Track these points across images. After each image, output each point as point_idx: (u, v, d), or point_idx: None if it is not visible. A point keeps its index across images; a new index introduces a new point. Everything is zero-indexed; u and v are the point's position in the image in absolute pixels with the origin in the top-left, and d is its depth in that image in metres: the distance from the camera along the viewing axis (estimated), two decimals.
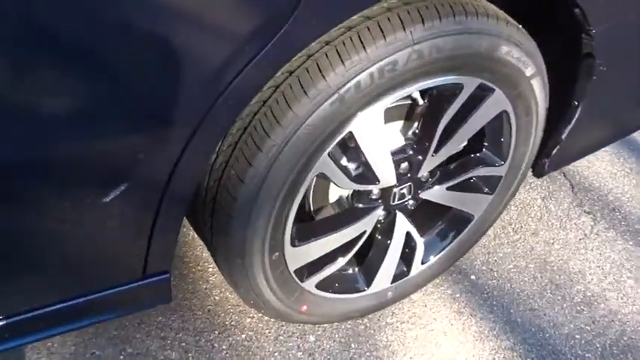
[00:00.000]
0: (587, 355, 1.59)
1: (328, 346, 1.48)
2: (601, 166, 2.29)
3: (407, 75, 1.07)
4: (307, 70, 1.01)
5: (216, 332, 1.45)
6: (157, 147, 0.95)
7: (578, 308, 1.71)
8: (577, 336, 1.64)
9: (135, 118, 0.91)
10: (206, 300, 1.52)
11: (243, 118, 1.06)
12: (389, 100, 1.10)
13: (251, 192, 1.06)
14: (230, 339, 1.45)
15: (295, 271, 1.26)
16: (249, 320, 1.49)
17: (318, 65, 1.01)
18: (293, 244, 1.21)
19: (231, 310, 1.50)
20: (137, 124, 0.92)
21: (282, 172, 1.06)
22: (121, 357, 1.36)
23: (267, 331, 1.48)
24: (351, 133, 1.10)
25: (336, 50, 1.01)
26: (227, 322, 1.48)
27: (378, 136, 1.15)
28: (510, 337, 1.60)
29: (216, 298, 1.53)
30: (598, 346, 1.62)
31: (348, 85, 1.02)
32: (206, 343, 1.43)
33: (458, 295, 1.68)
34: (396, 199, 1.33)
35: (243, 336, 1.46)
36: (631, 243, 1.96)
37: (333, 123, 1.05)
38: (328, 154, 1.10)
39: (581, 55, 1.30)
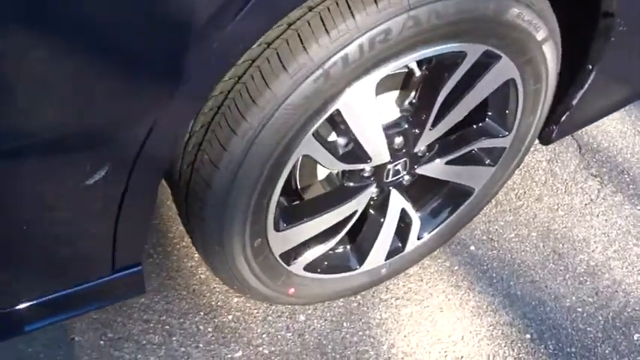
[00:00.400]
0: (588, 329, 1.54)
1: (319, 325, 1.42)
2: (610, 125, 2.16)
3: (401, 45, 0.94)
4: (287, 42, 0.89)
5: (202, 314, 1.39)
6: (123, 117, 0.83)
7: (581, 279, 1.65)
8: (579, 309, 1.57)
9: (100, 78, 0.78)
10: (191, 279, 1.45)
11: (216, 97, 0.94)
12: (381, 73, 0.98)
13: (227, 178, 0.96)
14: (216, 320, 1.38)
15: (281, 256, 1.18)
16: (236, 300, 1.42)
17: (299, 36, 0.88)
18: (277, 229, 1.11)
19: (218, 290, 1.44)
20: (101, 85, 0.79)
21: (260, 157, 0.95)
22: (102, 342, 1.30)
23: (255, 311, 1.42)
24: (338, 110, 0.98)
25: (320, 18, 0.88)
26: (213, 303, 1.41)
27: (370, 112, 1.03)
28: (509, 312, 1.54)
29: (202, 276, 1.46)
30: (600, 318, 1.56)
31: (334, 59, 0.90)
32: (191, 326, 1.37)
33: (456, 268, 1.61)
34: (390, 175, 1.22)
35: (230, 317, 1.40)
36: (639, 207, 1.87)
37: (317, 101, 0.93)
38: (313, 135, 0.99)
39: (600, 15, 1.16)
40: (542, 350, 1.47)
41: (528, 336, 1.50)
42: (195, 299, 1.42)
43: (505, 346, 1.46)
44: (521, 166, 1.98)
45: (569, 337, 1.51)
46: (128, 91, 0.81)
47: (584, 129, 2.13)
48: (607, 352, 1.50)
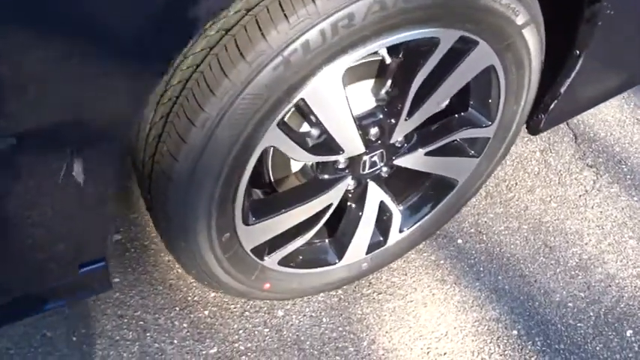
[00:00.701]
0: (578, 324, 1.49)
1: (297, 321, 1.39)
2: (609, 114, 2.10)
3: (367, 31, 0.89)
4: (245, 29, 0.84)
5: (177, 309, 1.36)
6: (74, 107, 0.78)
7: (573, 273, 1.60)
8: (569, 304, 1.53)
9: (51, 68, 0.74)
10: (168, 273, 1.42)
11: (174, 86, 0.90)
12: (348, 60, 0.93)
13: (187, 171, 0.92)
14: (192, 316, 1.35)
15: (253, 250, 1.14)
16: (213, 295, 1.39)
17: (257, 22, 0.84)
18: (246, 223, 1.08)
19: (195, 285, 1.40)
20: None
21: (221, 149, 0.91)
22: (74, 338, 1.28)
23: (233, 306, 1.39)
24: (303, 100, 0.94)
25: (279, 2, 0.83)
26: (189, 298, 1.38)
27: (338, 101, 0.98)
28: (496, 307, 1.49)
29: (179, 271, 1.43)
30: (592, 314, 1.51)
31: (294, 46, 0.85)
32: (166, 321, 1.34)
33: (442, 262, 1.57)
34: (367, 167, 1.18)
35: (206, 312, 1.37)
36: (635, 199, 1.82)
37: (278, 90, 0.89)
38: (278, 125, 0.95)
39: (585, 1, 1.10)
40: (529, 347, 1.43)
41: (515, 332, 1.45)
42: (171, 294, 1.39)
43: (490, 343, 1.42)
44: (513, 157, 1.93)
45: (558, 333, 1.46)
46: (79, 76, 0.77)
47: (580, 117, 2.07)
48: (597, 348, 1.45)
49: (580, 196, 1.80)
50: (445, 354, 1.38)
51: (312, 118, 1.00)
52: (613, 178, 1.88)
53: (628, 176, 1.89)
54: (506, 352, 1.41)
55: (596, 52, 1.25)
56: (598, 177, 1.86)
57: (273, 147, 1.01)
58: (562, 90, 1.33)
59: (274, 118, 0.93)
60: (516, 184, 1.80)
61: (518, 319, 1.48)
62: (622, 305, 1.54)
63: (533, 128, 1.43)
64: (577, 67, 1.27)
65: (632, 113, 2.12)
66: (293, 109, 1.02)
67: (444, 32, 0.99)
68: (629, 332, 1.49)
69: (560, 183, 1.83)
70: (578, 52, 1.25)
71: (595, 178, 1.86)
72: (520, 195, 1.77)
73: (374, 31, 0.90)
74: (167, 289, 1.40)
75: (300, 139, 1.03)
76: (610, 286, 1.58)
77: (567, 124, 2.04)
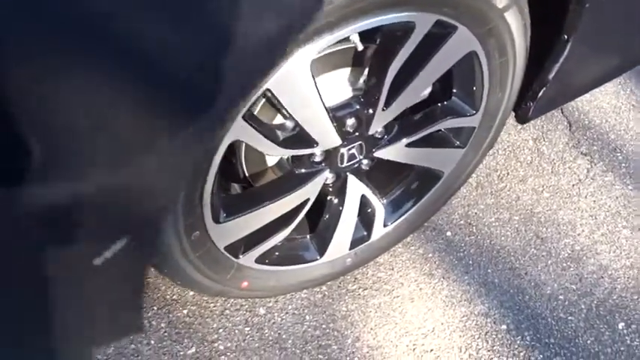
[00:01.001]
0: (569, 318, 1.45)
1: (280, 319, 1.35)
2: (604, 100, 2.05)
3: (333, 16, 0.84)
4: None
5: (155, 308, 1.32)
6: None
7: (565, 265, 1.55)
8: (560, 296, 1.49)
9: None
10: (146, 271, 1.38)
11: None
12: (315, 48, 0.88)
13: None
14: (170, 315, 1.32)
15: (227, 248, 1.10)
16: (192, 294, 1.35)
17: None
18: (217, 221, 1.03)
19: (173, 283, 1.36)
20: None
21: None
22: None
23: (213, 304, 1.35)
24: (269, 90, 0.89)
25: None
26: (168, 297, 1.34)
27: (307, 92, 0.93)
28: (485, 301, 1.45)
29: None
30: (583, 307, 1.47)
31: None
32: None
33: (430, 255, 1.52)
34: (345, 160, 1.13)
35: (185, 311, 1.33)
36: (630, 187, 1.77)
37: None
38: (243, 118, 0.90)
39: None
40: (518, 342, 1.39)
41: (504, 327, 1.41)
42: (149, 293, 1.35)
43: (478, 338, 1.38)
44: (505, 146, 1.88)
45: (548, 327, 1.42)
46: None
47: (575, 105, 2.01)
48: (589, 342, 1.41)
49: (573, 185, 1.75)
50: (432, 350, 1.35)
51: (281, 109, 0.95)
52: (607, 166, 1.83)
53: (623, 164, 1.84)
54: (494, 348, 1.37)
55: (585, 36, 1.19)
56: (592, 165, 1.82)
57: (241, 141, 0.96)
58: (550, 76, 1.27)
59: (239, 110, 0.88)
60: (508, 173, 1.76)
61: (508, 314, 1.44)
62: (614, 297, 1.50)
63: (522, 117, 1.38)
64: (565, 53, 1.21)
65: (627, 99, 2.07)
66: (263, 100, 0.98)
67: (418, 16, 0.93)
68: (621, 325, 1.45)
69: (554, 172, 1.78)
70: (566, 36, 1.19)
71: (589, 166, 1.81)
72: (512, 185, 1.72)
73: (341, 16, 0.85)
74: (145, 288, 1.36)
75: (269, 132, 0.98)
76: (602, 277, 1.54)
77: (562, 111, 1.98)
